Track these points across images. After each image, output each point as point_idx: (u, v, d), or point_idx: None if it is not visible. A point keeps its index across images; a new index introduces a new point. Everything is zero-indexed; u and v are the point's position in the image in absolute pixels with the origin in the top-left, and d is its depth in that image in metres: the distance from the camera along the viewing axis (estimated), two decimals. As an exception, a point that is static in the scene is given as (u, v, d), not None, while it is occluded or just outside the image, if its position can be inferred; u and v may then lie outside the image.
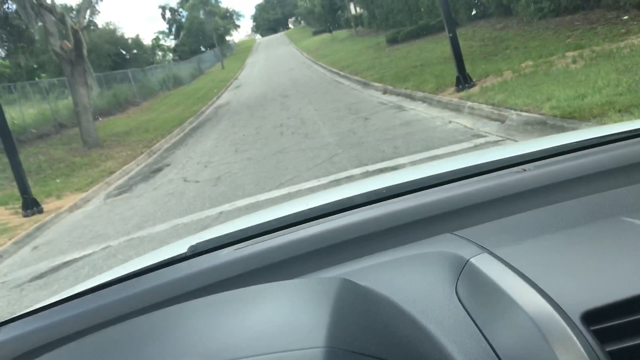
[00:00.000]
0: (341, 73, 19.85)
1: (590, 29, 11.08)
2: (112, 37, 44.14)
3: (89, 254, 5.96)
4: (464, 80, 8.79)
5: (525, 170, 1.17)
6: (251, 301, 0.72)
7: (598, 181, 1.09)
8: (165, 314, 0.75)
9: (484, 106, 7.52)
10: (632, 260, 0.71)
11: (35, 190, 9.95)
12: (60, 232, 7.79)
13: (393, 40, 23.62)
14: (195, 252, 1.14)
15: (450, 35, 8.79)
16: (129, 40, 49.27)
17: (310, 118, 11.34)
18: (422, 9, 24.97)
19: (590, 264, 0.73)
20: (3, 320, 1.05)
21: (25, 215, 8.97)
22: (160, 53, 72.27)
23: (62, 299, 1.05)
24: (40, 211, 9.07)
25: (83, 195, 9.92)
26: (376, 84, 14.07)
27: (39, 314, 1.03)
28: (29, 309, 1.06)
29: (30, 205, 9.05)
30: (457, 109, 8.33)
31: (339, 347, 0.57)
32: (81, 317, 0.97)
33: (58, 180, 11.72)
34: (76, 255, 6.12)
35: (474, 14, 20.16)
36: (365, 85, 15.11)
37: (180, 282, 1.00)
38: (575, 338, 0.60)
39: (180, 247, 1.20)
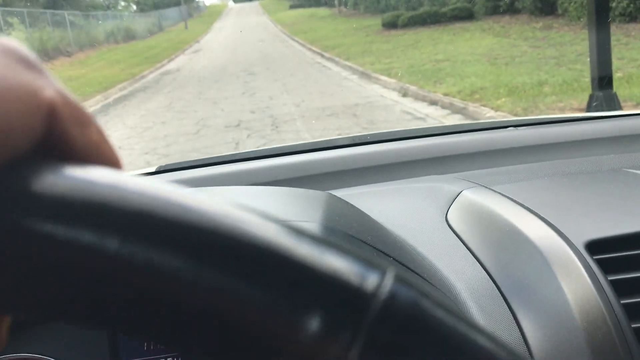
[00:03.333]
0: (325, 55, 15.64)
1: None
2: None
3: None
4: (607, 106, 4.61)
5: (516, 128, 1.17)
6: (241, 193, 0.69)
7: (590, 147, 1.09)
8: None
9: None
10: (635, 200, 0.70)
11: None
12: None
13: (391, 25, 19.73)
14: (164, 169, 1.10)
15: (598, 24, 4.55)
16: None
17: (289, 120, 6.91)
18: (424, -6, 21.92)
19: (592, 202, 0.72)
20: None
21: None
22: (123, 3, 67.00)
23: None
24: None
25: None
26: (384, 78, 9.80)
27: None
28: None
29: None
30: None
31: (337, 228, 0.55)
32: None
33: None
34: None
35: (497, 8, 17.03)
36: (365, 76, 10.81)
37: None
38: (578, 262, 0.58)
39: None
